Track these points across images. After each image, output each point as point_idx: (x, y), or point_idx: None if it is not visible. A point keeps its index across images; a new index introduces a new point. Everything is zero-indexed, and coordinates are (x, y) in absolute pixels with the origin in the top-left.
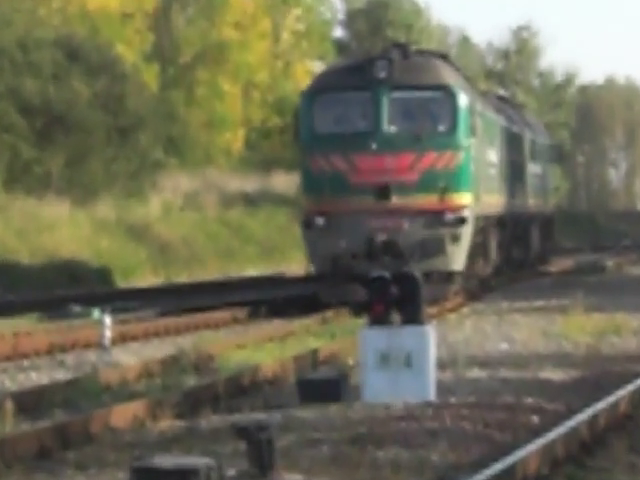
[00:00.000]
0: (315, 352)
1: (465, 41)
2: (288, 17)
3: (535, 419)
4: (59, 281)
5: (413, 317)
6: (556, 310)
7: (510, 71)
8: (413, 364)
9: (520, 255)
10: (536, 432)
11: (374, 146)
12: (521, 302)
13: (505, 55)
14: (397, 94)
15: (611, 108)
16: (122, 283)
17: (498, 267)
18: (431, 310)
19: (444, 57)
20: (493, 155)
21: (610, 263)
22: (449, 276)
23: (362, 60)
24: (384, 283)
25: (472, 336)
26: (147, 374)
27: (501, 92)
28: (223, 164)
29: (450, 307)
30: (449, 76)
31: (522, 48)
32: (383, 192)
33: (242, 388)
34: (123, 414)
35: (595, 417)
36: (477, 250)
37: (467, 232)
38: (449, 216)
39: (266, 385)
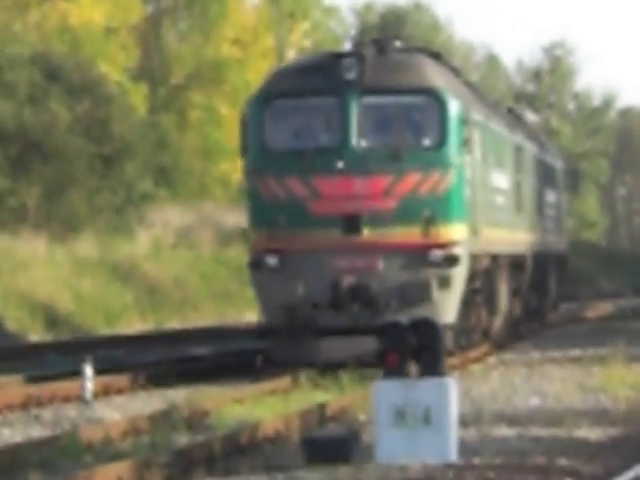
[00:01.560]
0: (322, 407)
1: (492, 60)
2: (294, 33)
3: None
4: (34, 327)
5: (432, 368)
6: (594, 361)
7: (542, 93)
8: (432, 421)
9: (538, 304)
10: None
11: (341, 165)
12: (554, 351)
13: (536, 75)
14: (370, 99)
15: None
16: (105, 329)
17: (513, 319)
18: (453, 360)
19: (435, 55)
20: (502, 179)
21: None
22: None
23: (326, 57)
24: (400, 330)
25: (499, 390)
26: (133, 431)
27: (531, 117)
28: (220, 197)
29: (474, 357)
30: (437, 77)
31: (555, 68)
32: (352, 224)
33: (240, 447)
34: (106, 477)
35: None
36: (478, 298)
37: (460, 274)
38: (436, 254)
39: (267, 444)
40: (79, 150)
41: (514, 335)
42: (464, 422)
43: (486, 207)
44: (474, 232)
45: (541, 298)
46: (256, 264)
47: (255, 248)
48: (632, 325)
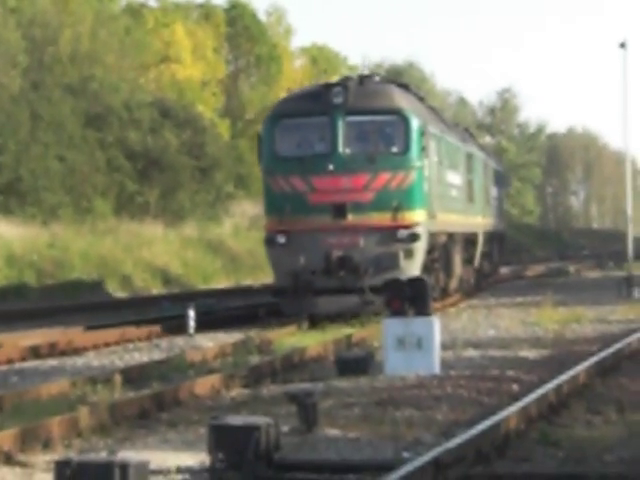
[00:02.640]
0: (349, 337)
1: (462, 101)
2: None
3: (515, 387)
4: (155, 284)
5: (423, 310)
6: (531, 304)
7: (495, 123)
8: (423, 346)
9: (487, 268)
10: (515, 397)
11: (331, 167)
12: (504, 299)
13: (492, 111)
14: (352, 118)
15: (572, 151)
16: (202, 285)
17: (465, 280)
18: (436, 305)
19: (404, 86)
20: (456, 178)
21: (572, 269)
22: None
23: (320, 87)
24: (400, 285)
25: (467, 324)
26: (221, 354)
27: (488, 139)
28: None
29: (450, 303)
30: (402, 101)
31: (504, 106)
32: (340, 211)
33: (293, 364)
34: (204, 385)
35: (560, 386)
36: (437, 264)
37: (420, 247)
38: (402, 232)
39: (311, 362)
40: (184, 164)
41: (469, 288)
42: (444, 347)
43: (442, 198)
44: (432, 216)
45: (489, 263)
46: (269, 241)
47: (268, 229)
48: (557, 280)
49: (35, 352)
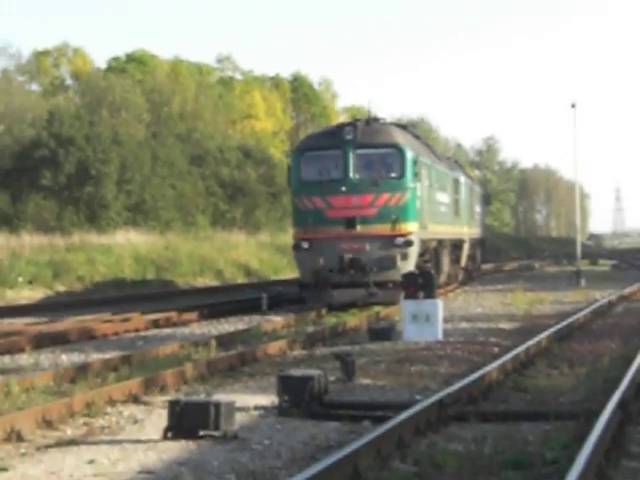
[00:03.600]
0: (378, 314)
1: (458, 146)
2: None
3: (495, 349)
4: (239, 276)
5: (430, 294)
6: (507, 290)
7: (483, 161)
8: (430, 320)
9: (472, 266)
10: (496, 356)
11: (344, 189)
12: (489, 286)
13: (480, 153)
14: (360, 151)
15: (537, 181)
16: (273, 277)
17: (452, 275)
18: (439, 291)
19: (403, 127)
20: (444, 197)
21: (537, 265)
22: (399, 284)
23: (335, 127)
24: (414, 276)
25: (461, 305)
26: (287, 325)
27: (477, 172)
28: None
29: (450, 289)
30: (399, 137)
31: (489, 149)
32: (351, 223)
33: (338, 333)
34: (274, 347)
35: (528, 348)
36: (428, 264)
37: (414, 251)
38: (399, 240)
39: (350, 331)
40: (260, 191)
41: (456, 282)
42: (445, 320)
43: (432, 213)
44: (423, 227)
45: (473, 262)
46: (296, 247)
47: (295, 237)
48: (526, 273)
49: (155, 324)
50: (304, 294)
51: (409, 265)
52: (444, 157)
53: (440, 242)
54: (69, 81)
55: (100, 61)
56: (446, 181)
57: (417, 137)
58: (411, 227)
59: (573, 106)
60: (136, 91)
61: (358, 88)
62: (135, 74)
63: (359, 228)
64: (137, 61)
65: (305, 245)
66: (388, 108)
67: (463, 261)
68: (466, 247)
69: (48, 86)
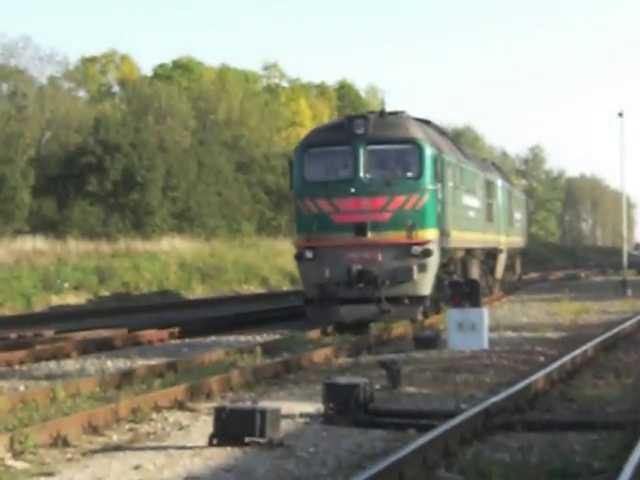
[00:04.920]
0: (423, 322)
1: (504, 154)
2: None
3: (542, 358)
4: (285, 283)
5: (476, 303)
6: (553, 300)
7: (528, 170)
8: (476, 328)
9: (509, 278)
10: (542, 365)
11: (353, 190)
12: (534, 295)
13: (526, 161)
14: (372, 147)
15: (583, 190)
16: None
17: (484, 287)
18: (485, 300)
19: (425, 121)
20: (474, 201)
21: (583, 274)
22: (417, 299)
23: (344, 119)
24: (460, 284)
25: (507, 314)
26: (332, 333)
27: (523, 182)
28: None
29: (495, 298)
30: (417, 132)
31: (535, 157)
32: (360, 229)
33: (383, 341)
34: (319, 354)
35: (574, 358)
36: (454, 275)
37: (433, 262)
38: (416, 249)
39: (396, 339)
40: None
41: (489, 294)
42: (490, 329)
43: (457, 218)
44: (445, 234)
45: (512, 273)
46: (299, 256)
47: (298, 245)
48: (572, 282)
49: (200, 331)
50: (307, 310)
51: (428, 278)
52: (477, 157)
53: (468, 251)
54: (116, 88)
55: (147, 68)
56: (477, 183)
57: (442, 133)
58: (430, 234)
59: (620, 115)
60: (182, 98)
61: (406, 96)
62: (181, 81)
63: (370, 235)
64: (183, 68)
65: (309, 255)
66: (435, 115)
67: (499, 272)
68: (502, 257)
69: (95, 93)
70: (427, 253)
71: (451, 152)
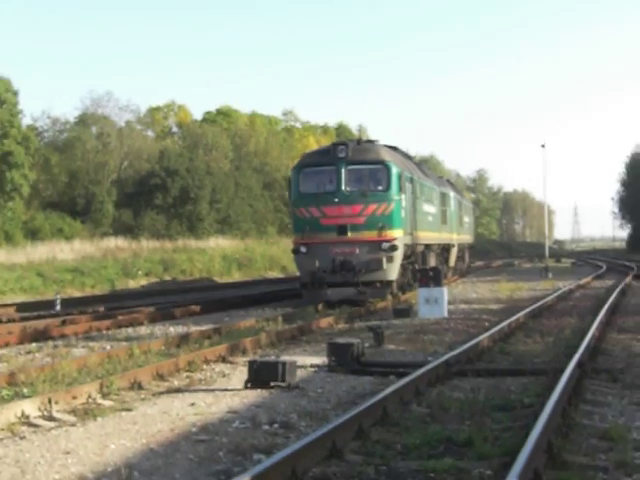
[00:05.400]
0: (398, 298)
1: (458, 175)
2: None
3: (486, 324)
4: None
5: (438, 284)
6: (495, 281)
7: (476, 187)
8: (438, 302)
9: (460, 266)
10: (487, 329)
11: (336, 200)
12: (481, 278)
13: (474, 180)
14: (351, 167)
15: (516, 201)
16: None
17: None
18: (446, 281)
19: (393, 148)
20: (431, 208)
21: (516, 262)
22: (386, 283)
23: (330, 146)
24: (427, 270)
25: (461, 291)
26: (332, 308)
27: (472, 196)
28: None
29: (452, 280)
30: (386, 155)
31: (480, 177)
32: (342, 230)
33: (371, 312)
34: (324, 322)
35: (510, 323)
36: (416, 264)
37: (398, 254)
38: (385, 244)
39: (380, 311)
40: None
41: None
42: (449, 303)
43: (417, 221)
44: (408, 233)
45: (462, 263)
46: (295, 251)
47: (295, 243)
48: (508, 268)
49: (237, 305)
50: (302, 292)
51: (394, 267)
52: (434, 175)
53: (427, 246)
54: (175, 129)
55: (197, 114)
56: (433, 195)
57: (407, 157)
58: (396, 233)
59: (543, 146)
60: (223, 136)
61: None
62: (222, 123)
63: (350, 234)
64: (224, 114)
65: (303, 249)
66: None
67: (452, 262)
68: (454, 250)
69: (159, 133)
70: (393, 248)
71: (413, 171)
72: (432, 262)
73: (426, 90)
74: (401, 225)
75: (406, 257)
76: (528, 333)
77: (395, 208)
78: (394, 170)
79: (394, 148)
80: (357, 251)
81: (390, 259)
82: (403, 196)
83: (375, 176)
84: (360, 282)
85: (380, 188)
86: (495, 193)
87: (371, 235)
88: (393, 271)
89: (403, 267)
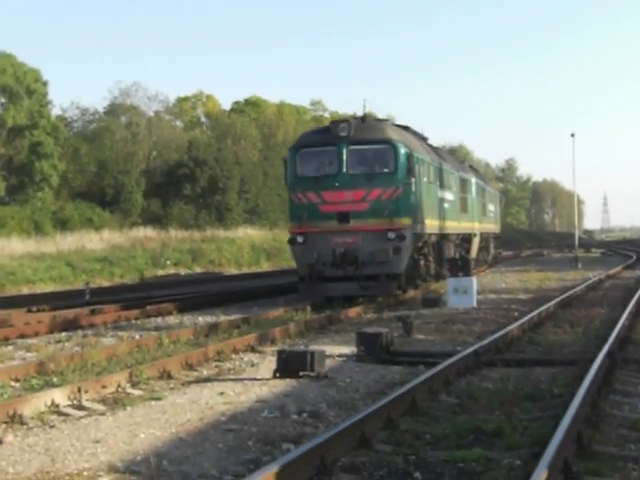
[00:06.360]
0: (428, 287)
1: (487, 165)
2: None
3: (516, 314)
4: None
5: (467, 273)
6: (524, 270)
7: (505, 176)
8: (467, 292)
9: (484, 257)
10: (516, 319)
11: (337, 184)
12: (510, 268)
13: (503, 170)
14: (354, 147)
15: (545, 191)
16: None
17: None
18: (475, 270)
19: (404, 127)
20: (449, 195)
21: (545, 252)
22: (393, 277)
23: (330, 124)
24: (455, 260)
25: (490, 280)
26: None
27: (500, 185)
28: None
29: (482, 270)
30: (393, 134)
31: (509, 167)
32: (344, 217)
33: (400, 302)
34: (353, 312)
35: (540, 313)
36: (429, 256)
37: (407, 245)
38: (391, 234)
39: (409, 300)
40: None
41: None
42: (478, 292)
43: (431, 208)
44: (419, 221)
45: (487, 253)
46: (292, 241)
47: (291, 232)
48: (537, 258)
49: (266, 294)
50: (299, 287)
51: (402, 259)
52: (454, 160)
53: (444, 236)
54: (203, 119)
55: (226, 104)
56: (451, 180)
57: (421, 138)
58: (404, 221)
59: (572, 135)
60: (252, 126)
61: (416, 118)
62: (251, 113)
63: (352, 223)
64: (252, 104)
65: (300, 239)
66: (436, 135)
67: (474, 252)
68: (476, 240)
69: (188, 123)
70: (401, 238)
71: (426, 153)
72: (450, 253)
73: (456, 81)
74: (410, 212)
75: (416, 248)
76: (557, 323)
77: (403, 193)
78: (402, 150)
79: (405, 128)
80: (360, 241)
81: (397, 250)
82: (413, 180)
83: (380, 157)
84: (363, 276)
85: (386, 170)
86: (524, 182)
87: (376, 223)
88: (401, 263)
89: (413, 259)
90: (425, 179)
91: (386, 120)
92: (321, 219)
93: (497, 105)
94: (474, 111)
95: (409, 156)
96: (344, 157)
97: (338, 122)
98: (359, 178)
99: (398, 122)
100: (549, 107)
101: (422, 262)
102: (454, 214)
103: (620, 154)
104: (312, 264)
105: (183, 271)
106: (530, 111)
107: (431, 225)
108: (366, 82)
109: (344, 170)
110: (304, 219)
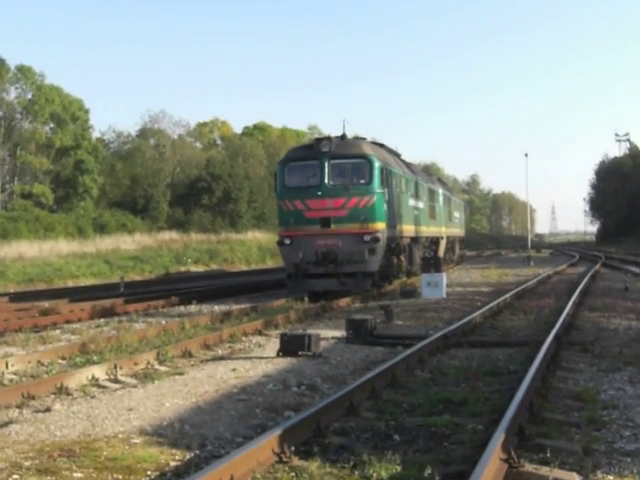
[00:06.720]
0: (405, 282)
1: (455, 180)
2: None
3: (479, 304)
4: None
5: (438, 270)
6: (485, 268)
7: (470, 189)
8: (438, 285)
9: (450, 257)
10: (479, 307)
11: (320, 193)
12: (474, 265)
13: (468, 184)
14: (334, 161)
15: (503, 201)
16: None
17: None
18: (444, 267)
19: (380, 144)
20: (418, 203)
21: (503, 252)
22: (368, 274)
23: (314, 141)
24: (429, 259)
25: (457, 276)
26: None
27: (465, 197)
28: None
29: (450, 267)
30: (368, 150)
31: (473, 181)
32: (325, 222)
33: (382, 294)
34: (343, 301)
35: (499, 303)
36: (401, 256)
37: (380, 246)
38: (367, 237)
39: (390, 292)
40: None
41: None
42: (447, 286)
43: (402, 214)
44: (391, 226)
45: (452, 254)
46: (281, 242)
47: (280, 235)
48: (496, 257)
49: (270, 287)
50: (287, 283)
51: (376, 259)
52: (423, 173)
53: (413, 239)
54: (218, 141)
55: (238, 128)
56: (420, 190)
57: (394, 154)
58: (378, 226)
59: (526, 155)
60: (259, 147)
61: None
62: (258, 136)
63: (333, 227)
64: (260, 128)
65: (287, 241)
66: (412, 153)
67: (441, 253)
68: (443, 242)
69: (206, 144)
70: (375, 240)
71: (398, 166)
72: (419, 254)
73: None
74: (383, 218)
75: (390, 249)
76: (513, 311)
77: (377, 201)
78: (376, 164)
79: (381, 145)
80: (340, 243)
81: (372, 251)
82: (386, 190)
83: (357, 170)
84: (342, 273)
85: (362, 182)
86: (486, 194)
87: (353, 228)
88: (375, 263)
89: (387, 259)
90: (397, 189)
91: (363, 138)
92: (306, 224)
93: (465, 130)
94: (446, 134)
95: (383, 169)
96: (326, 170)
97: (321, 139)
98: (339, 188)
99: (377, 140)
100: (509, 130)
101: (395, 261)
102: (423, 220)
103: (566, 169)
104: (298, 263)
105: (202, 268)
106: (492, 134)
107: (403, 229)
108: (354, 110)
109: (326, 181)
110: (291, 224)
